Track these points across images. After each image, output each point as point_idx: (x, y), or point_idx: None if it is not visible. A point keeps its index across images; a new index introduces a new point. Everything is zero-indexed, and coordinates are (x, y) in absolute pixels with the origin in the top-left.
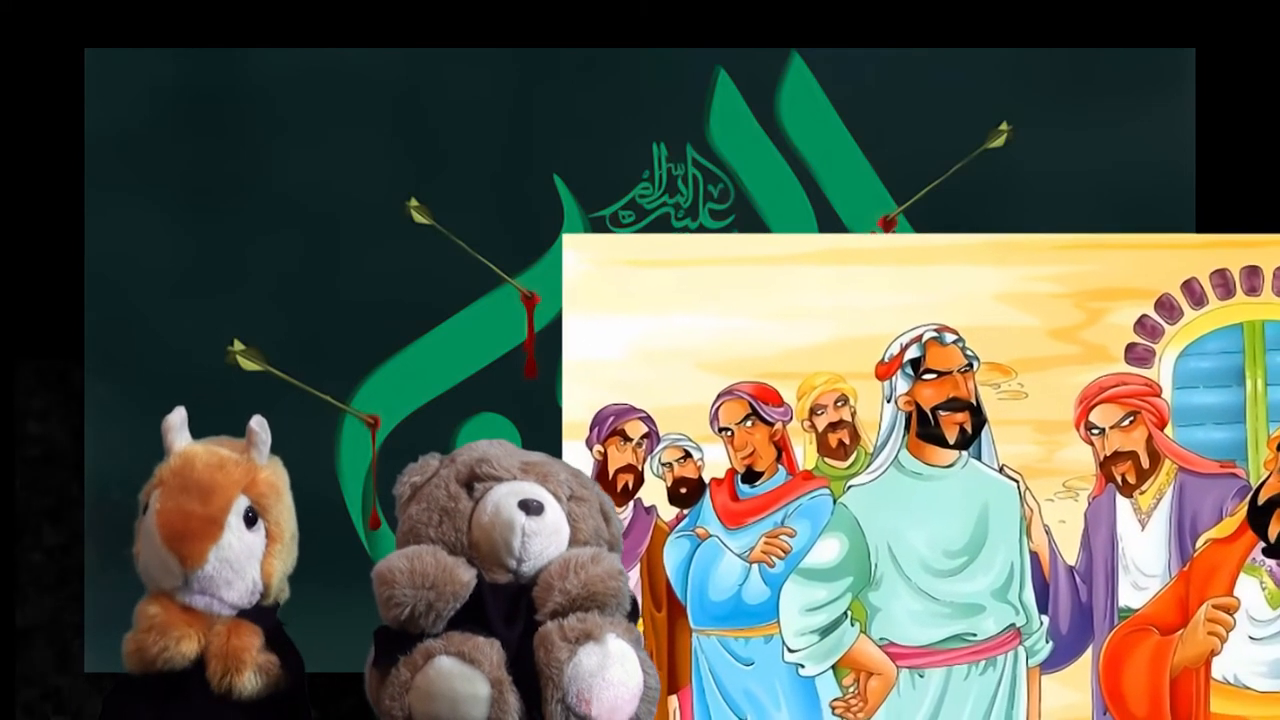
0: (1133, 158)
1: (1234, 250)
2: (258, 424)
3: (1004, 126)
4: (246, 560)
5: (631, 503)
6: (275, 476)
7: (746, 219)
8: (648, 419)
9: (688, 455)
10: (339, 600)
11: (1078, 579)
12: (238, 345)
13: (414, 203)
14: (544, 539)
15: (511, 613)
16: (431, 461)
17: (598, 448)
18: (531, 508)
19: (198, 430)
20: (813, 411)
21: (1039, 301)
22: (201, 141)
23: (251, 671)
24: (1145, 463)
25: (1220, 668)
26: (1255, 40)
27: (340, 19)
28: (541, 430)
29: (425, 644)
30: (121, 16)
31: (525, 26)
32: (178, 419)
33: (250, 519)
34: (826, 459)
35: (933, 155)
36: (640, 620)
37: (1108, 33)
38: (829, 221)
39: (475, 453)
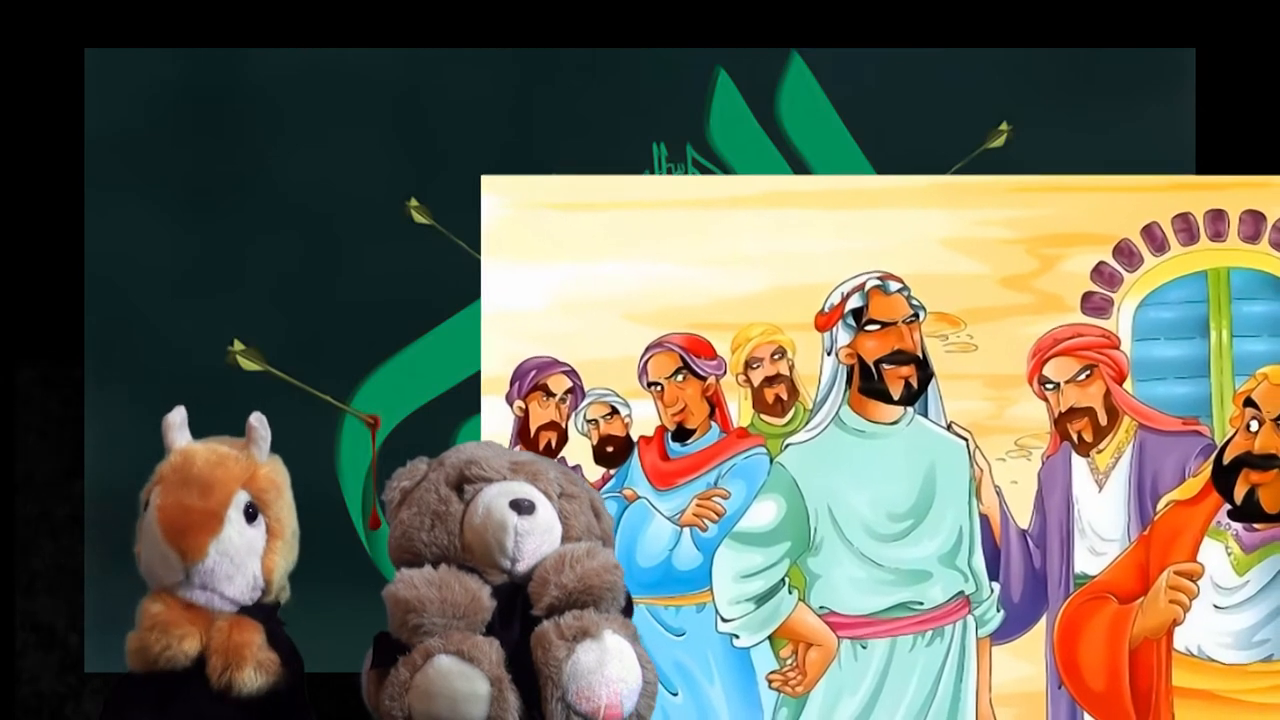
0: (1133, 158)
1: (1198, 193)
2: (257, 420)
3: (1004, 126)
4: (246, 555)
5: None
6: (275, 473)
7: None
8: (572, 373)
9: (614, 412)
10: (339, 600)
11: (1031, 544)
12: (238, 345)
13: (414, 203)
14: (537, 538)
15: (508, 611)
16: (420, 465)
17: (518, 403)
18: (523, 507)
19: (197, 430)
20: (748, 365)
21: (990, 247)
22: (201, 141)
23: (252, 668)
24: (1103, 420)
25: (1183, 638)
26: (1255, 40)
27: (340, 19)
28: None
29: (424, 643)
30: (121, 16)
31: (525, 27)
32: (178, 418)
33: (250, 514)
34: (763, 415)
35: (933, 155)
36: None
37: (1108, 33)
38: None
39: (463, 455)
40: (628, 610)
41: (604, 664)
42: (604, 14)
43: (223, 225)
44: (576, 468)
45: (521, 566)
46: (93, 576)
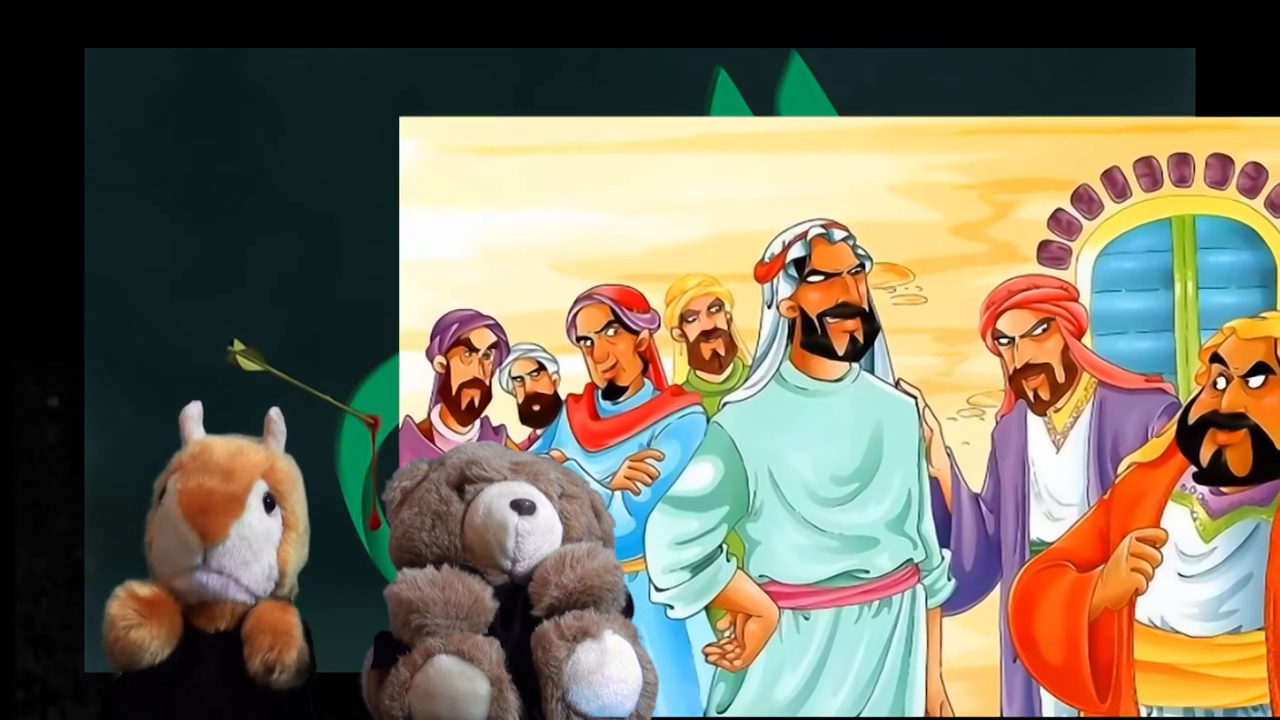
0: None
1: (1161, 135)
2: (276, 414)
3: None
4: (264, 542)
5: (477, 422)
6: (292, 468)
7: None
8: (496, 327)
9: (541, 368)
10: (339, 600)
11: (984, 508)
12: (238, 345)
13: None
14: (537, 538)
15: (508, 611)
16: (421, 465)
17: (439, 359)
18: (524, 507)
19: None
20: (683, 318)
21: (940, 193)
22: (201, 141)
23: (297, 652)
24: (1060, 376)
25: (1145, 609)
26: (1255, 40)
27: (340, 19)
28: None
29: (425, 643)
30: (121, 16)
31: (525, 27)
32: (195, 411)
33: (269, 503)
34: (699, 372)
35: None
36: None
37: (1108, 33)
38: None
39: (464, 455)
40: (628, 610)
41: (604, 664)
42: (604, 14)
43: (223, 225)
44: (501, 428)
45: (522, 567)
46: (93, 576)
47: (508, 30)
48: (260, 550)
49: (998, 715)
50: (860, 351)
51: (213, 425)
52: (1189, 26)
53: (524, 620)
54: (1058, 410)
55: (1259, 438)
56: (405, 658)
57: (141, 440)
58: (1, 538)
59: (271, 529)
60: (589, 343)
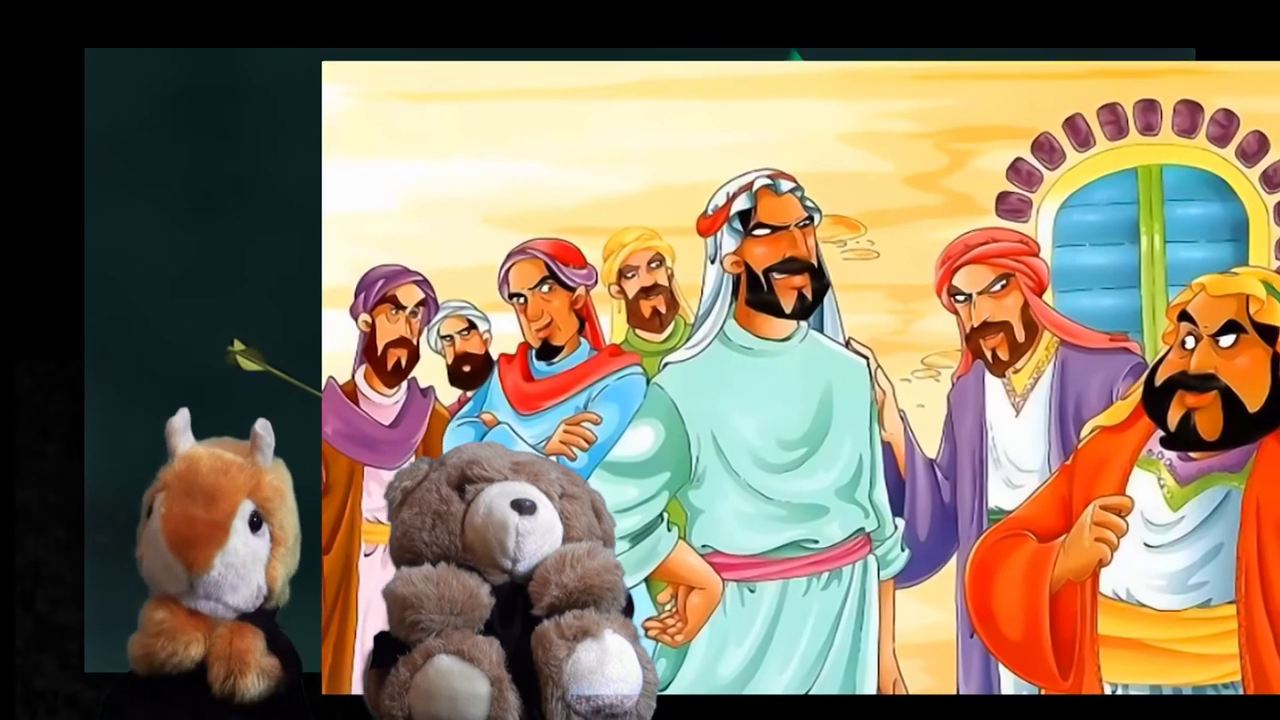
0: None
1: (1126, 81)
2: (262, 428)
3: None
4: (251, 565)
5: (405, 383)
6: (279, 480)
7: None
8: (424, 283)
9: (472, 326)
10: None
11: (939, 475)
12: (238, 345)
13: None
14: (538, 538)
15: (508, 611)
16: (421, 465)
17: (364, 317)
18: (524, 507)
19: (198, 431)
20: (622, 274)
21: (893, 142)
22: (201, 141)
23: (254, 674)
24: (1020, 335)
25: (1110, 581)
26: (1255, 40)
27: (340, 19)
28: None
29: (424, 643)
30: (121, 16)
31: (527, 27)
32: (180, 422)
33: (255, 523)
34: (638, 330)
35: None
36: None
37: (1108, 33)
38: None
39: (465, 455)
40: (628, 610)
41: (604, 664)
42: (604, 14)
43: (222, 225)
44: (429, 390)
45: (522, 566)
46: (93, 577)
47: (508, 30)
48: (248, 574)
49: (954, 693)
50: (809, 309)
51: (213, 426)
52: (1189, 26)
53: (524, 620)
54: (1017, 371)
55: (1229, 400)
56: (405, 658)
57: (141, 441)
58: (1, 537)
59: (259, 549)
60: (522, 300)
